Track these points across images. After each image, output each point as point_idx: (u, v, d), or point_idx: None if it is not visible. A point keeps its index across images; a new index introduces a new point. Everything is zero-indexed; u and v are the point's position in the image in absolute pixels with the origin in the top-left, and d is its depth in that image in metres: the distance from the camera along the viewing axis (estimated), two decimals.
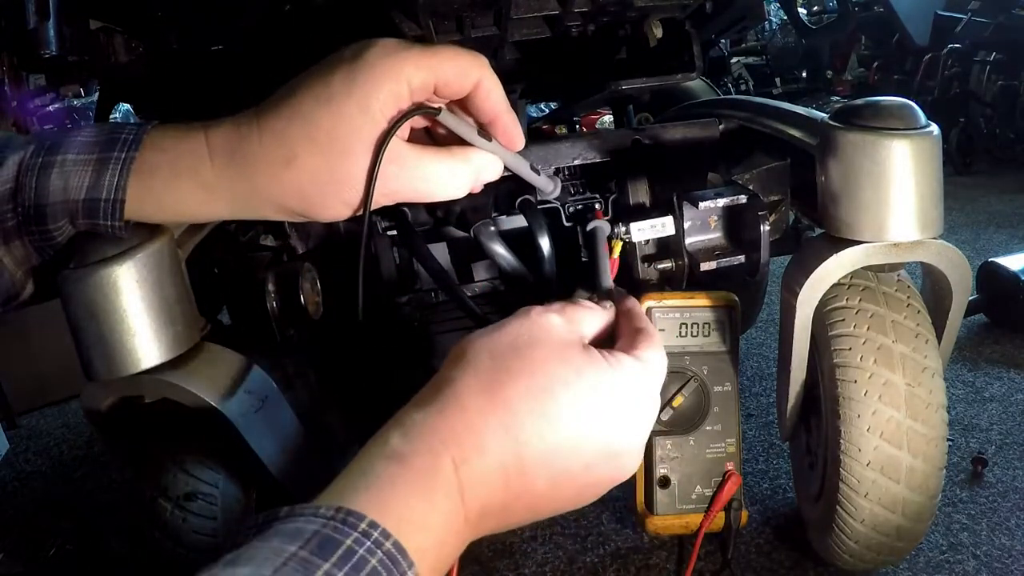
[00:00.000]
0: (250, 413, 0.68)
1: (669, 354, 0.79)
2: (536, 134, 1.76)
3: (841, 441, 0.76)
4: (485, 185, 0.52)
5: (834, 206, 0.73)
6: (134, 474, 0.75)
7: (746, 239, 0.82)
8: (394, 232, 0.90)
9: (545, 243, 0.88)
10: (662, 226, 0.80)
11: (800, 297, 0.74)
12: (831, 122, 0.73)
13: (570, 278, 0.91)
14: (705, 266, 0.81)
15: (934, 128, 0.71)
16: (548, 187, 0.59)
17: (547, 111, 2.53)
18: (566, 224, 0.90)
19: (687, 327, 0.81)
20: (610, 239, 0.77)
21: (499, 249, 0.90)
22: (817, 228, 0.82)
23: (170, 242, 0.61)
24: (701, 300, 0.80)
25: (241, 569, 0.26)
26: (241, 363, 0.70)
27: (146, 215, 0.48)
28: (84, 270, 0.56)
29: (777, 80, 4.88)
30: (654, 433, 0.80)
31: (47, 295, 0.55)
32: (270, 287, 0.80)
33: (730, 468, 0.80)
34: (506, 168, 0.52)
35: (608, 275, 0.57)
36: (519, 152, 0.51)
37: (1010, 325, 1.55)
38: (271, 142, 0.44)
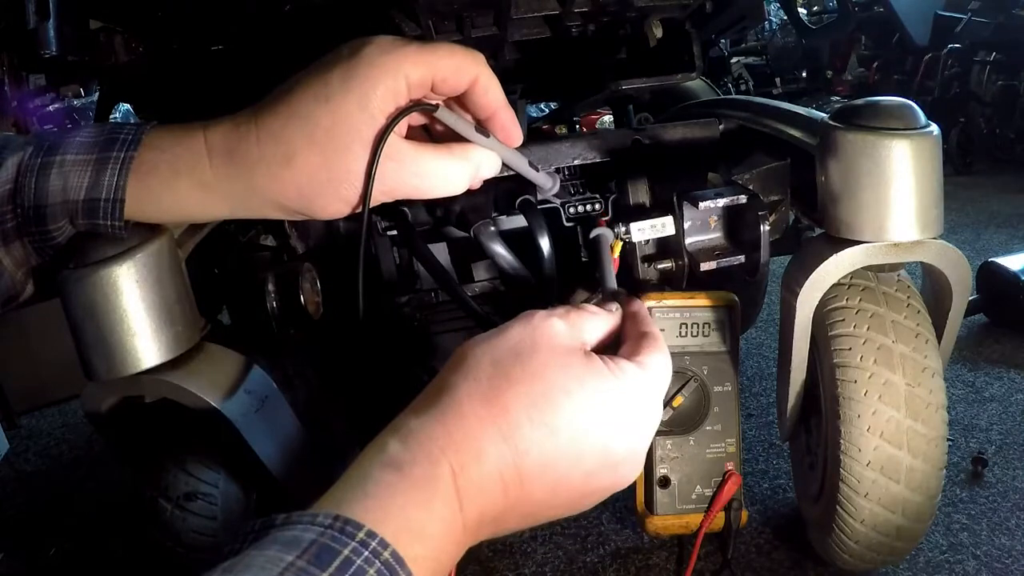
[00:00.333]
0: (250, 413, 0.68)
1: (670, 354, 0.80)
2: (536, 134, 1.76)
3: (841, 441, 0.76)
4: (484, 184, 0.52)
5: (834, 206, 0.73)
6: (134, 474, 0.75)
7: (746, 239, 0.82)
8: (394, 232, 0.90)
9: (545, 243, 0.88)
10: (662, 226, 0.80)
11: (800, 297, 0.74)
12: (831, 122, 0.73)
13: (570, 278, 0.91)
14: (705, 266, 0.81)
15: (934, 128, 0.71)
16: (547, 184, 0.59)
17: (547, 111, 2.53)
18: (566, 224, 0.90)
19: (687, 327, 0.81)
20: (614, 239, 0.77)
21: (499, 249, 0.90)
22: (817, 228, 0.82)
23: (170, 242, 0.61)
24: (701, 300, 0.80)
25: None
26: (241, 363, 0.70)
27: (145, 215, 0.48)
28: (84, 270, 0.56)
29: (777, 80, 4.88)
30: (654, 433, 0.80)
31: (47, 295, 0.55)
32: (270, 287, 0.80)
33: (730, 468, 0.80)
34: (505, 166, 0.52)
35: (613, 278, 0.57)
36: (517, 149, 0.51)
37: (1010, 325, 1.55)
38: (269, 141, 0.44)
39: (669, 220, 0.80)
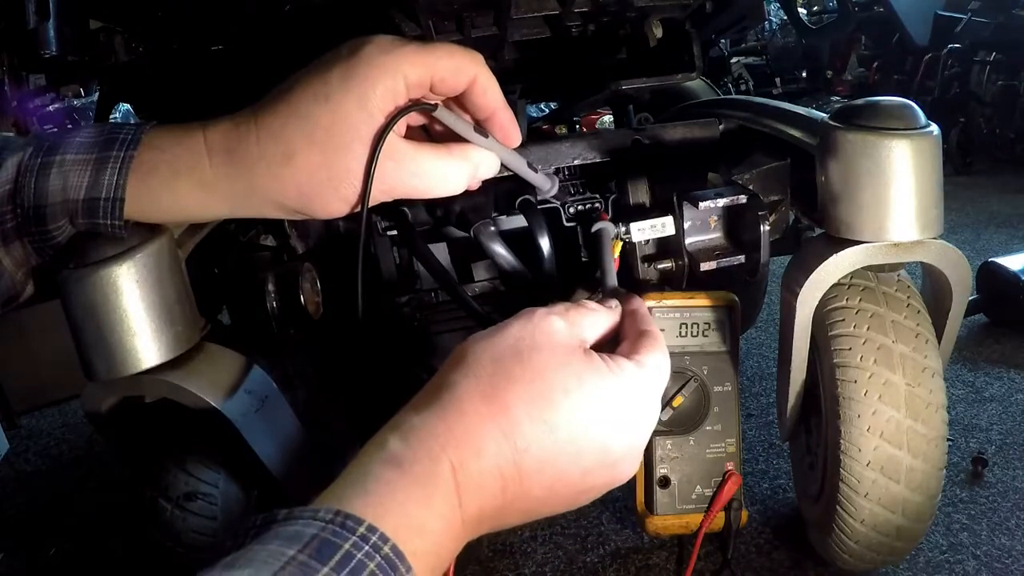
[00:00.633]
0: (250, 413, 0.68)
1: (669, 354, 0.80)
2: (536, 134, 1.76)
3: (841, 441, 0.76)
4: (484, 184, 0.52)
5: (834, 206, 0.73)
6: (134, 474, 0.75)
7: (746, 239, 0.82)
8: (394, 232, 0.90)
9: (545, 243, 0.88)
10: (662, 226, 0.80)
11: (800, 297, 0.74)
12: (831, 122, 0.73)
13: (570, 278, 0.91)
14: (705, 266, 0.81)
15: (934, 128, 0.71)
16: (545, 185, 0.59)
17: (547, 111, 2.53)
18: (566, 224, 0.90)
19: (687, 327, 0.81)
20: (614, 237, 0.77)
21: (499, 249, 0.90)
22: (817, 228, 0.82)
23: (170, 242, 0.61)
24: (701, 300, 0.80)
25: (239, 572, 0.26)
26: (241, 363, 0.70)
27: (145, 215, 0.48)
28: (84, 270, 0.56)
29: (777, 80, 4.88)
30: (654, 433, 0.80)
31: (47, 295, 0.55)
32: (270, 287, 0.80)
33: (730, 468, 0.80)
34: (504, 166, 0.52)
35: (614, 275, 0.57)
36: (516, 149, 0.51)
37: (1010, 325, 1.55)
38: (269, 140, 0.44)
39: (669, 220, 0.80)
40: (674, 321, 0.80)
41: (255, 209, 0.47)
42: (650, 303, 0.79)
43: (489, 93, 0.47)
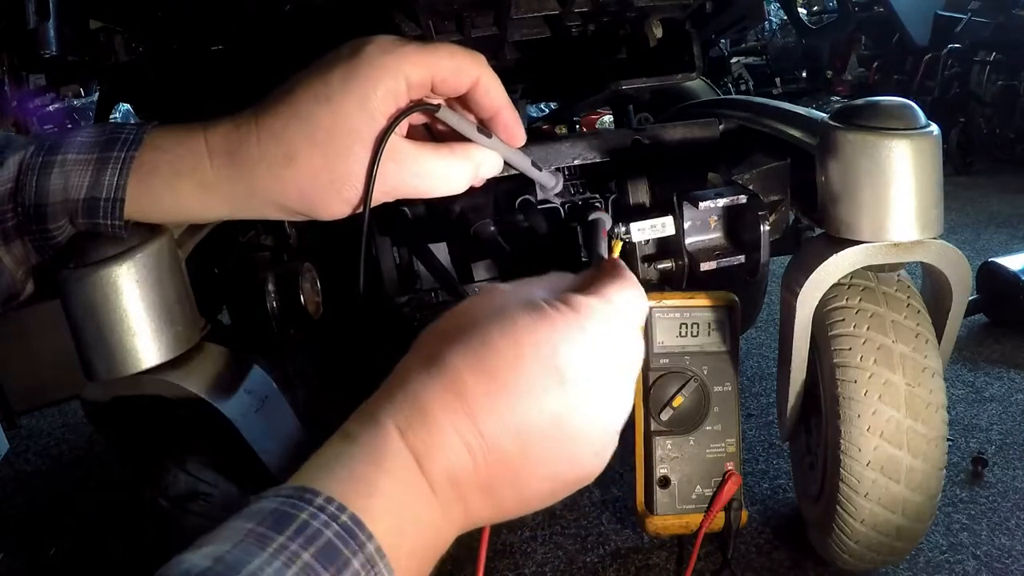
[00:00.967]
0: (250, 413, 0.68)
1: (669, 354, 0.80)
2: (536, 134, 1.76)
3: (841, 441, 0.76)
4: (484, 184, 0.52)
5: (834, 206, 0.73)
6: (134, 474, 0.75)
7: (746, 239, 0.82)
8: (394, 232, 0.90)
9: (545, 242, 0.88)
10: (662, 226, 0.80)
11: (800, 297, 0.74)
12: (831, 122, 0.73)
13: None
14: (705, 266, 0.81)
15: (934, 128, 0.71)
16: (550, 183, 0.59)
17: (547, 111, 2.53)
18: (566, 224, 0.90)
19: (687, 327, 0.81)
20: (610, 238, 0.77)
21: (499, 249, 0.90)
22: (817, 228, 0.82)
23: (170, 242, 0.61)
24: (701, 300, 0.81)
25: (203, 549, 0.27)
26: (241, 363, 0.70)
27: (146, 215, 0.48)
28: (84, 270, 0.56)
29: (777, 80, 4.88)
30: (654, 433, 0.80)
31: (47, 295, 0.55)
32: (270, 287, 0.80)
33: (730, 468, 0.80)
34: (507, 165, 0.51)
35: (605, 250, 0.56)
36: (520, 148, 0.51)
37: (1010, 325, 1.55)
38: (270, 142, 0.44)
39: (669, 220, 0.81)
40: (674, 321, 0.80)
41: (256, 210, 0.47)
42: (650, 303, 0.79)
43: (492, 93, 0.46)
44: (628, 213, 0.89)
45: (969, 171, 3.05)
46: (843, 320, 0.77)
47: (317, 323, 0.84)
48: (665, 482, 0.80)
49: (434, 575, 0.34)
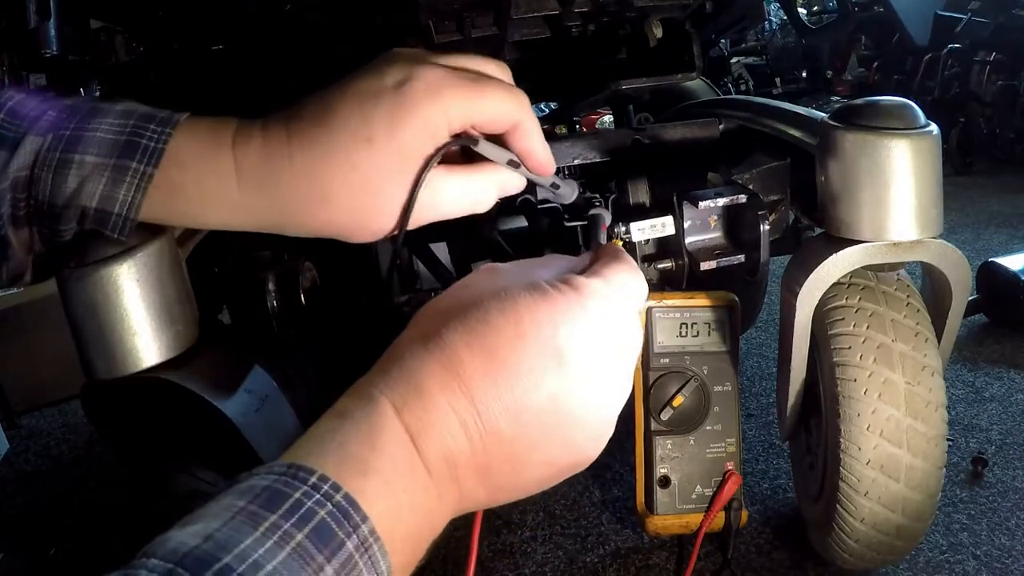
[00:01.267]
0: (250, 413, 0.68)
1: (669, 354, 0.80)
2: None
3: (841, 440, 0.76)
4: None
5: (834, 206, 0.73)
6: (134, 474, 0.75)
7: (746, 239, 0.82)
8: None
9: (545, 243, 0.88)
10: (662, 226, 0.81)
11: (800, 297, 0.74)
12: (831, 122, 0.73)
13: None
14: (705, 266, 0.81)
15: (934, 128, 0.71)
16: (570, 196, 0.58)
17: (547, 111, 2.53)
18: (566, 224, 0.90)
19: (687, 327, 0.81)
20: (609, 237, 0.77)
21: (500, 249, 0.90)
22: (817, 228, 0.82)
23: (170, 242, 0.61)
24: (701, 300, 0.81)
25: (192, 527, 0.27)
26: (241, 363, 0.70)
27: (161, 222, 0.47)
28: (84, 269, 0.56)
29: (777, 80, 4.88)
30: (654, 433, 0.80)
31: (45, 277, 0.54)
32: (270, 287, 0.80)
33: (730, 468, 0.80)
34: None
35: (603, 240, 0.56)
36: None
37: (1010, 325, 1.55)
38: (303, 179, 0.43)
39: (669, 220, 0.81)
40: (674, 321, 0.80)
41: (282, 231, 0.46)
42: (650, 303, 0.79)
43: (531, 135, 0.46)
44: (628, 213, 0.89)
45: (969, 171, 3.05)
46: (843, 319, 0.77)
47: (317, 323, 0.84)
48: (665, 482, 0.80)
49: (432, 575, 0.34)
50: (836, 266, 0.73)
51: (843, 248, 0.72)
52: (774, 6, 4.02)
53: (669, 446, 0.80)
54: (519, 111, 0.45)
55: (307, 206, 0.44)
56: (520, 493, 0.36)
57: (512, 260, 0.41)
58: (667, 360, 0.80)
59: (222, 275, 0.85)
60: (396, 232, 0.45)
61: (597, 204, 0.90)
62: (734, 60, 4.81)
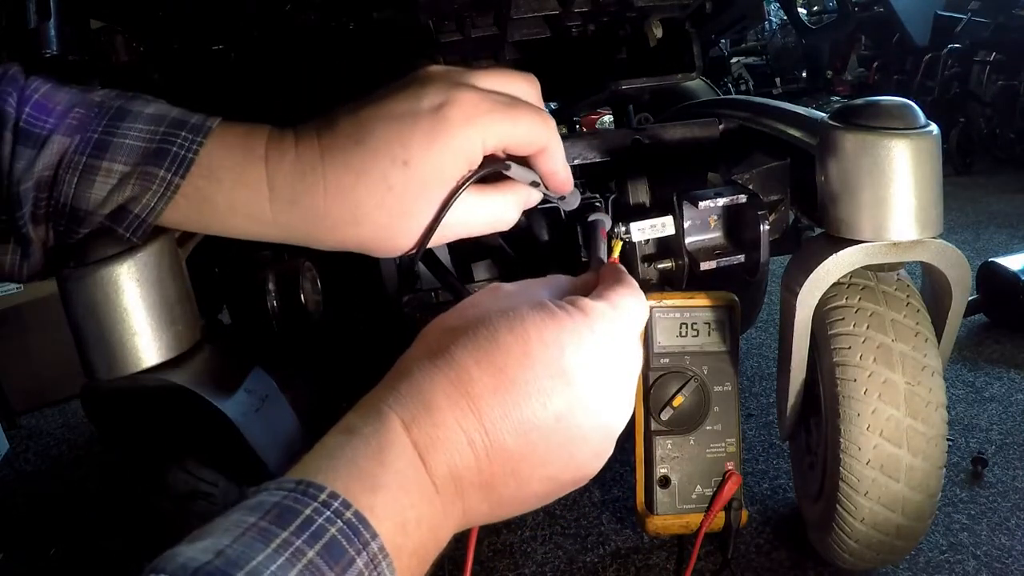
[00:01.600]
0: (250, 413, 0.68)
1: (669, 354, 0.80)
2: None
3: (841, 440, 0.76)
4: None
5: (834, 206, 0.73)
6: (134, 474, 0.75)
7: (746, 239, 0.82)
8: None
9: (545, 243, 0.88)
10: (662, 226, 0.81)
11: (800, 297, 0.74)
12: (831, 122, 0.73)
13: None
14: (705, 266, 0.81)
15: (934, 128, 0.71)
16: (575, 204, 0.59)
17: (547, 111, 2.53)
18: (566, 223, 0.90)
19: (687, 327, 0.81)
20: (610, 238, 0.77)
21: (499, 249, 0.90)
22: (817, 228, 0.82)
23: (171, 242, 0.61)
24: (701, 300, 0.81)
25: (202, 542, 0.26)
26: (241, 363, 0.70)
27: (188, 229, 0.47)
28: (85, 269, 0.56)
29: (777, 80, 4.89)
30: (654, 433, 0.80)
31: (51, 273, 0.54)
32: (270, 287, 0.80)
33: (730, 468, 0.81)
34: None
35: (603, 252, 0.57)
36: None
37: (1010, 325, 1.55)
38: (337, 199, 0.43)
39: (669, 220, 0.81)
40: (674, 321, 0.80)
41: (306, 244, 0.46)
42: (650, 303, 0.79)
43: (555, 158, 0.47)
44: (628, 213, 0.89)
45: (969, 171, 3.05)
46: (843, 319, 0.77)
47: (317, 323, 0.84)
48: (665, 482, 0.80)
49: (432, 575, 0.34)
50: (836, 266, 0.73)
51: (843, 248, 0.72)
52: (774, 6, 4.02)
53: (669, 446, 0.80)
54: (548, 135, 0.45)
55: (339, 223, 0.44)
56: (522, 508, 0.37)
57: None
58: (667, 360, 0.80)
59: (222, 275, 0.85)
60: (419, 249, 0.45)
61: (597, 204, 0.90)
62: (734, 60, 4.81)
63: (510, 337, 0.35)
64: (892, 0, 3.79)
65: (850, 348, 0.76)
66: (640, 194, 0.90)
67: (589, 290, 0.42)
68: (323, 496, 0.29)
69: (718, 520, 0.81)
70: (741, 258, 0.82)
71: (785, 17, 4.00)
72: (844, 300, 0.78)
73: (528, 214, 0.87)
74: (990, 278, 1.59)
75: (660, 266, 0.87)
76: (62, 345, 0.64)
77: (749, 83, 4.66)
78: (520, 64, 0.91)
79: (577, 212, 0.90)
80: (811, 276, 0.73)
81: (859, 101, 0.74)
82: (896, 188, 0.69)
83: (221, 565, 0.25)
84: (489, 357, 0.35)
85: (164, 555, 0.26)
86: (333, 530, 0.28)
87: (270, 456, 0.70)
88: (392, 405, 0.34)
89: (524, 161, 0.47)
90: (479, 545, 1.05)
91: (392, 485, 0.31)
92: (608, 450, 0.38)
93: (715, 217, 0.84)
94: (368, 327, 0.92)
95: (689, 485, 0.80)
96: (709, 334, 0.81)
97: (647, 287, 0.87)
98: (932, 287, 0.81)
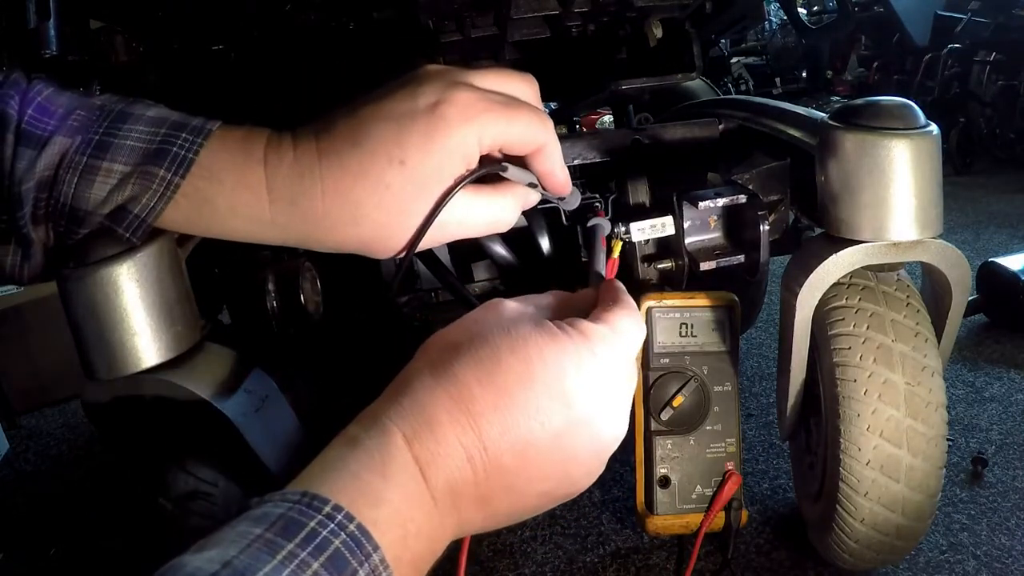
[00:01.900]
0: (250, 413, 0.68)
1: (669, 354, 0.80)
2: None
3: (841, 440, 0.76)
4: None
5: (834, 206, 0.73)
6: (134, 474, 0.75)
7: (746, 239, 0.82)
8: None
9: (545, 243, 0.88)
10: (662, 226, 0.81)
11: (800, 297, 0.74)
12: (831, 122, 0.73)
13: (570, 278, 0.91)
14: (705, 266, 0.81)
15: (934, 128, 0.71)
16: (575, 204, 0.59)
17: (547, 111, 2.53)
18: (566, 223, 0.90)
19: (687, 327, 0.81)
20: (610, 239, 0.77)
21: (499, 249, 0.90)
22: (817, 228, 0.82)
23: (170, 242, 0.61)
24: (701, 300, 0.81)
25: (208, 552, 0.27)
26: (241, 363, 0.70)
27: (187, 231, 0.47)
28: (85, 269, 0.56)
29: (777, 80, 4.89)
30: (654, 433, 0.80)
31: (51, 276, 0.54)
32: (270, 287, 0.80)
33: (730, 468, 0.81)
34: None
35: (602, 264, 0.57)
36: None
37: (1010, 325, 1.55)
38: (335, 199, 0.43)
39: (669, 220, 0.81)
40: (674, 321, 0.80)
41: (304, 246, 0.46)
42: (650, 303, 0.79)
43: (552, 158, 0.47)
44: (628, 213, 0.89)
45: (969, 171, 3.05)
46: (843, 319, 0.77)
47: (317, 323, 0.84)
48: (665, 482, 0.80)
49: (431, 575, 0.35)
50: (836, 266, 0.73)
51: (843, 248, 0.72)
52: (774, 6, 4.02)
53: (669, 446, 0.80)
54: (545, 135, 0.46)
55: (337, 224, 0.44)
56: (514, 520, 0.38)
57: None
58: (667, 360, 0.80)
59: (222, 275, 0.85)
60: (411, 247, 0.45)
61: (598, 205, 0.90)
62: (734, 60, 4.81)
63: (512, 357, 0.36)
64: (892, 0, 3.79)
65: (850, 348, 0.76)
66: (640, 194, 0.90)
67: (588, 306, 0.43)
68: (327, 509, 0.30)
69: (718, 520, 0.81)
70: (741, 258, 0.82)
71: (785, 17, 4.00)
72: (844, 300, 0.78)
73: (528, 215, 0.87)
74: (990, 278, 1.59)
75: (660, 266, 0.87)
76: (62, 345, 0.64)
77: (749, 83, 4.66)
78: (520, 64, 0.91)
79: (578, 212, 0.90)
80: (811, 276, 0.73)
81: (859, 101, 0.73)
82: (896, 188, 0.69)
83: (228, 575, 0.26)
84: (491, 376, 0.35)
85: (171, 564, 0.27)
86: (337, 542, 0.29)
87: (270, 456, 0.70)
88: (395, 420, 0.34)
89: (521, 162, 0.47)
90: (479, 545, 1.05)
91: (394, 499, 0.32)
92: (600, 469, 0.39)
93: (715, 217, 0.84)
94: (368, 327, 0.92)
95: (689, 485, 0.80)
96: (709, 334, 0.81)
97: (647, 287, 0.87)
98: (932, 287, 0.81)
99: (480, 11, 0.77)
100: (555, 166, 0.47)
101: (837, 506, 0.78)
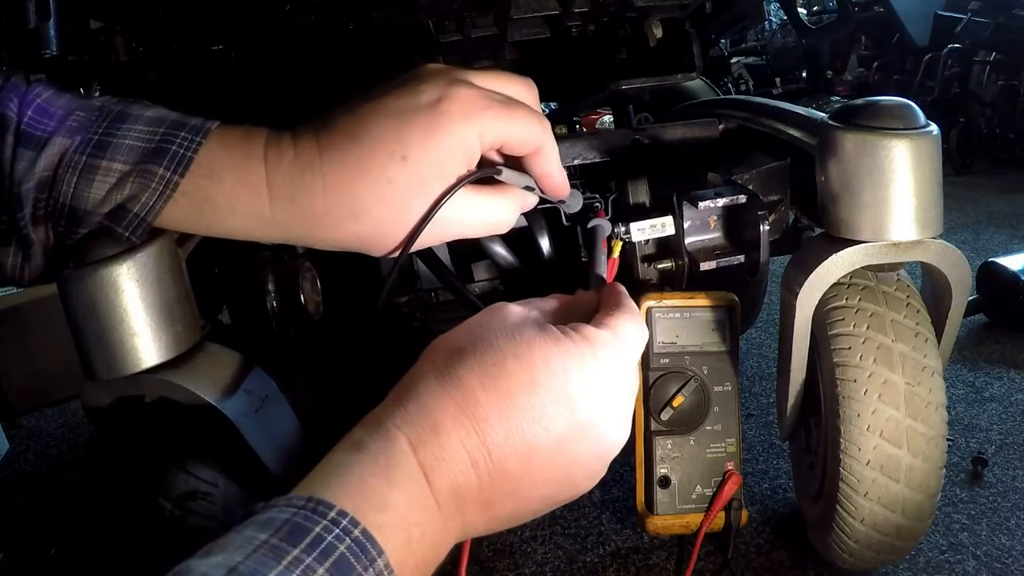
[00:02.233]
0: (250, 413, 0.68)
1: (669, 354, 0.80)
2: None
3: (841, 440, 0.76)
4: None
5: (834, 206, 0.73)
6: (134, 474, 0.75)
7: (746, 239, 0.82)
8: None
9: (545, 243, 0.88)
10: (662, 226, 0.81)
11: (800, 297, 0.74)
12: (831, 122, 0.73)
13: (571, 278, 0.91)
14: (705, 266, 0.81)
15: (934, 128, 0.71)
16: (576, 207, 0.59)
17: (547, 111, 2.53)
18: (566, 224, 0.90)
19: (687, 327, 0.81)
20: (610, 239, 0.77)
21: (499, 249, 0.90)
22: (817, 228, 0.82)
23: (170, 242, 0.61)
24: (701, 300, 0.81)
25: (214, 558, 0.27)
26: (241, 363, 0.70)
27: (186, 230, 0.47)
28: (84, 269, 0.56)
29: (777, 80, 4.89)
30: (654, 433, 0.80)
31: (51, 277, 0.54)
32: (270, 287, 0.80)
33: (730, 468, 0.81)
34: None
35: (603, 266, 0.57)
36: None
37: (1010, 325, 1.55)
38: (336, 195, 0.43)
39: (669, 220, 0.81)
40: (674, 321, 0.80)
41: (305, 244, 0.46)
42: (650, 303, 0.79)
43: (550, 159, 0.47)
44: (628, 213, 0.89)
45: (969, 171, 3.05)
46: (843, 319, 0.77)
47: (317, 323, 0.84)
48: (665, 482, 0.80)
49: (434, 574, 0.35)
50: (836, 266, 0.73)
51: (843, 248, 0.72)
52: (774, 6, 4.02)
53: (669, 446, 0.80)
54: (543, 136, 0.46)
55: (339, 220, 0.44)
56: (516, 522, 0.38)
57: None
58: (667, 360, 0.80)
59: (222, 275, 0.85)
60: (407, 245, 0.45)
61: (598, 205, 0.90)
62: (734, 60, 4.81)
63: (516, 363, 0.36)
64: (892, 0, 3.79)
65: (850, 348, 0.76)
66: (640, 194, 0.90)
67: (590, 309, 0.43)
68: (332, 514, 0.30)
69: (718, 520, 0.81)
70: (741, 258, 0.82)
71: (785, 17, 4.00)
72: (844, 300, 0.78)
73: (528, 215, 0.87)
74: (990, 278, 1.59)
75: (660, 266, 0.87)
76: (62, 345, 0.65)
77: (749, 83, 4.66)
78: (520, 64, 0.91)
79: (578, 213, 0.90)
80: (811, 276, 0.73)
81: (859, 101, 0.73)
82: (896, 188, 0.69)
83: None
84: (495, 381, 0.36)
85: (177, 569, 0.27)
86: (342, 548, 0.29)
87: (270, 456, 0.70)
88: (400, 425, 0.35)
89: (519, 164, 0.47)
90: (479, 545, 1.05)
91: (399, 504, 0.32)
92: (603, 471, 0.40)
93: (715, 217, 0.84)
94: (368, 327, 0.92)
95: (689, 485, 0.80)
96: (709, 334, 0.81)
97: (647, 287, 0.87)
98: (932, 287, 0.81)
99: (480, 11, 0.77)
100: (552, 168, 0.47)
101: (837, 506, 0.78)
